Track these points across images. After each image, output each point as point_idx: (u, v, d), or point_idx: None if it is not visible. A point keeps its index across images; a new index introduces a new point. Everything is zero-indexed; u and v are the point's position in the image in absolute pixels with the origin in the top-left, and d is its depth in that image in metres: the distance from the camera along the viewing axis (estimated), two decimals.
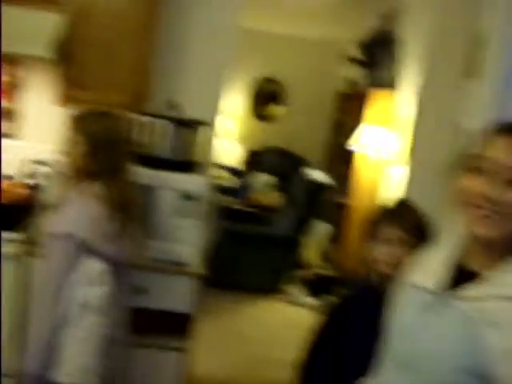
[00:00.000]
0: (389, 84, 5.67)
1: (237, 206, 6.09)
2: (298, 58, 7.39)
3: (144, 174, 2.46)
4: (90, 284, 2.12)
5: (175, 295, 2.61)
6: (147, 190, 2.50)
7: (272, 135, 7.40)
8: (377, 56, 5.51)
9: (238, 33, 3.17)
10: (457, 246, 1.23)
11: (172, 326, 2.63)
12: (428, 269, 1.27)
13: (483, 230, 1.12)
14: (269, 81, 7.59)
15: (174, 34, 3.00)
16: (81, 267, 2.12)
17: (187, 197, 2.48)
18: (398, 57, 4.73)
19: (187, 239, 2.54)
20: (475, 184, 1.13)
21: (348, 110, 6.37)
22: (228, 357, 3.94)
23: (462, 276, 1.18)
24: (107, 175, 2.21)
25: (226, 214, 5.95)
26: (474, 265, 1.18)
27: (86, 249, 2.13)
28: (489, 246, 1.14)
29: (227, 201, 6.27)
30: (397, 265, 1.71)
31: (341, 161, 6.31)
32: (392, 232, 1.78)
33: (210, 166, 3.00)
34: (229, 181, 7.02)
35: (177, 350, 2.69)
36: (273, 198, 6.01)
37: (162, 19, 2.82)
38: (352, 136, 5.45)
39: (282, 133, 7.38)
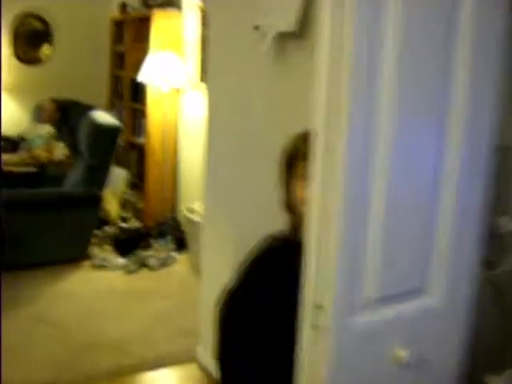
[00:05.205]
0: (168, 3, 5.06)
1: (16, 168, 5.12)
2: None
3: None
4: None
5: None
6: None
7: (45, 80, 6.33)
8: None
9: None
10: None
11: None
12: None
13: None
14: (32, 17, 6.41)
15: None
16: None
17: None
18: None
19: None
20: None
21: (128, 39, 5.68)
22: (44, 353, 3.21)
23: None
24: None
25: (6, 180, 5.01)
26: None
27: None
28: None
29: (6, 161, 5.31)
30: None
31: (130, 97, 5.65)
32: None
33: None
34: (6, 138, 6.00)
35: None
36: (58, 151, 5.17)
37: None
38: (138, 67, 4.84)
39: (56, 76, 6.33)
